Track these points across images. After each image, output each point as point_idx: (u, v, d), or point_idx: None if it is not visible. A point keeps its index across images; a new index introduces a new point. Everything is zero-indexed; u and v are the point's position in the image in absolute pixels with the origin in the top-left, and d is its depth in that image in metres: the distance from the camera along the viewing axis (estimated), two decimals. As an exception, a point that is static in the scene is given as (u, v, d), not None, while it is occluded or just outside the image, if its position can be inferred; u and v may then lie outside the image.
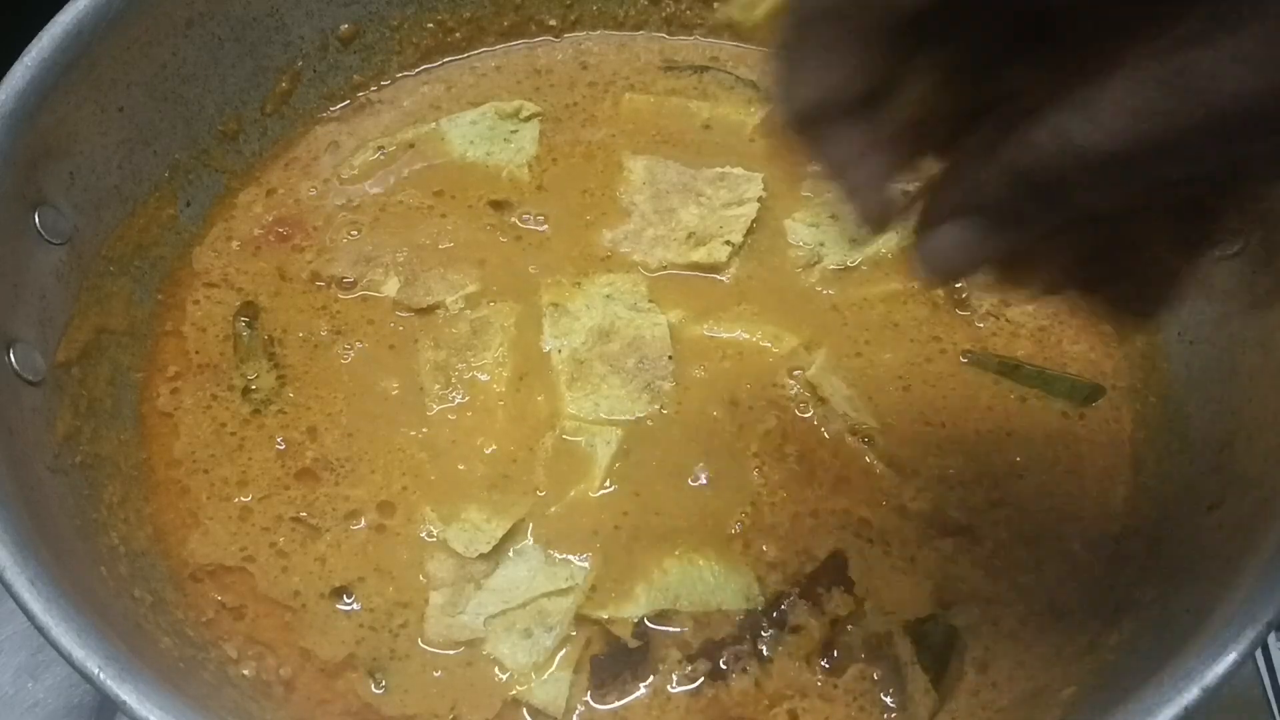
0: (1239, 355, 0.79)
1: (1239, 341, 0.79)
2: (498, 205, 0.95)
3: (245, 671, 0.74)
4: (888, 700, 0.74)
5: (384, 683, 0.74)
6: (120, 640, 0.61)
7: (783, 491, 0.81)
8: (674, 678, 0.74)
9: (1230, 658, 0.58)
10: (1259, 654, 0.90)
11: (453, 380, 0.85)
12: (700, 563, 0.78)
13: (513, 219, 0.94)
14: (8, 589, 0.60)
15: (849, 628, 0.75)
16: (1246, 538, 0.67)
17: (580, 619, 0.76)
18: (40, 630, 0.59)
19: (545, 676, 0.73)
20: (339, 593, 0.77)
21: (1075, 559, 0.79)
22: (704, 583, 0.77)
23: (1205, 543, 0.72)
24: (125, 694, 0.57)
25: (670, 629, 0.76)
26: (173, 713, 0.57)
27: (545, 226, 0.94)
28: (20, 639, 0.87)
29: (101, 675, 0.57)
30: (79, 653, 0.58)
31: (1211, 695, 0.57)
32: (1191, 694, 0.57)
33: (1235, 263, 0.79)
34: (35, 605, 0.59)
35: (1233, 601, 0.61)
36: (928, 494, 0.81)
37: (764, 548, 0.78)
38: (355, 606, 0.76)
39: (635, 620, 0.75)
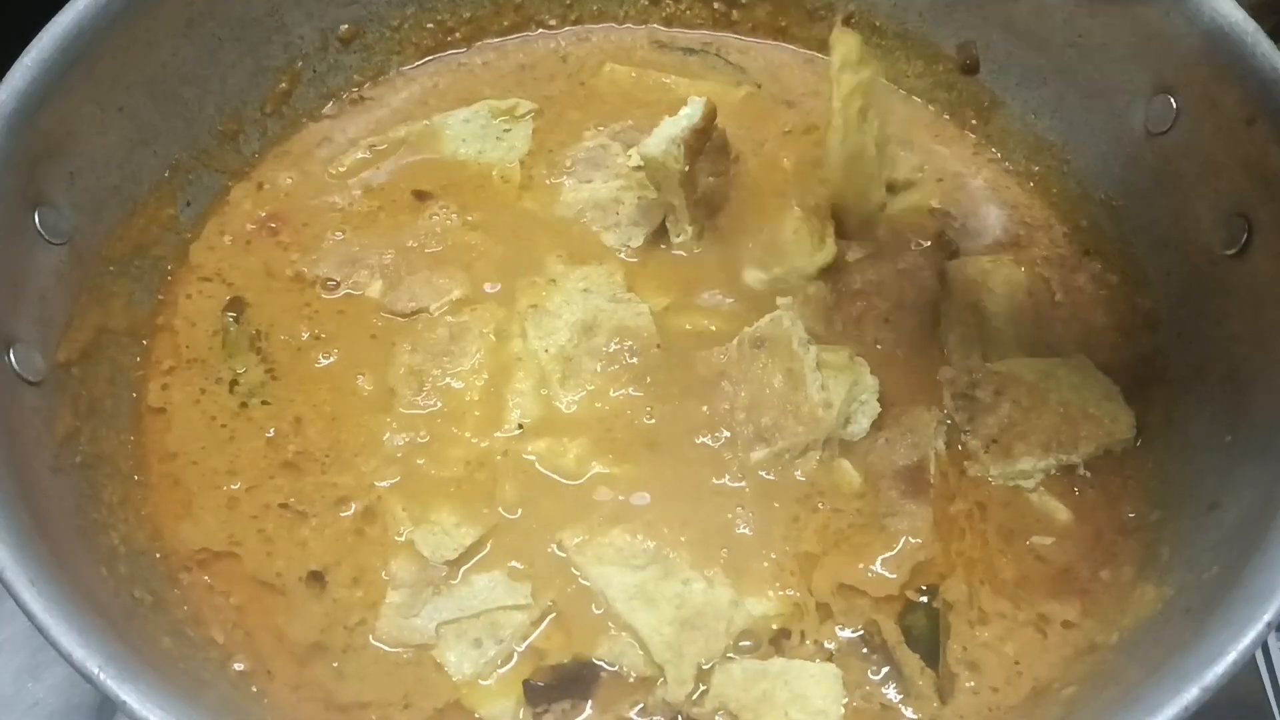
0: (1239, 355, 0.79)
1: (1239, 341, 0.79)
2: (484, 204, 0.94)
3: (238, 666, 0.74)
4: (892, 692, 0.73)
5: (338, 667, 0.73)
6: (120, 640, 0.61)
7: (778, 504, 0.79)
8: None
9: (1230, 658, 0.58)
10: (1259, 654, 0.90)
11: (425, 387, 0.84)
12: (681, 585, 0.75)
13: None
14: (8, 589, 0.59)
15: (835, 629, 0.75)
16: (1246, 538, 0.67)
17: (533, 634, 0.74)
18: (40, 630, 0.59)
19: (490, 683, 0.73)
20: (315, 577, 0.77)
21: (1074, 558, 0.79)
22: (682, 610, 0.74)
23: (1205, 542, 0.72)
24: (125, 694, 0.57)
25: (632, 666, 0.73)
26: (173, 712, 0.57)
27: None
28: (20, 639, 0.87)
29: (101, 675, 0.57)
30: (79, 653, 0.58)
31: (1211, 695, 0.58)
32: (1191, 694, 0.57)
33: (1235, 262, 0.79)
34: (35, 605, 0.59)
35: (1233, 601, 0.61)
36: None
37: (757, 567, 0.76)
38: (326, 591, 0.76)
39: (594, 653, 0.73)
